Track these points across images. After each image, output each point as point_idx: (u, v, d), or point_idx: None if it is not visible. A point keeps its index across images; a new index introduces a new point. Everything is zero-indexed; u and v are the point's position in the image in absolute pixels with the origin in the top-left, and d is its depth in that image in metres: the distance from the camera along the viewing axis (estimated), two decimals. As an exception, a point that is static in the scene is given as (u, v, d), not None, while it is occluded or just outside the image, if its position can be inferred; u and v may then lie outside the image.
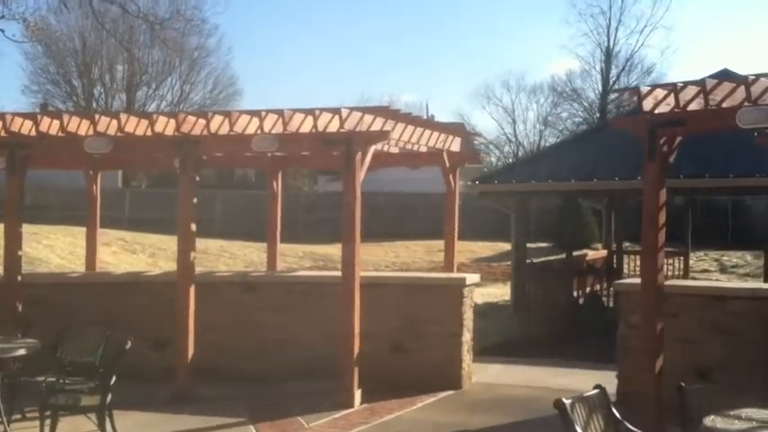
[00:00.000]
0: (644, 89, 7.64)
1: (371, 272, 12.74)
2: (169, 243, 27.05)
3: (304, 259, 28.80)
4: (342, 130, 8.63)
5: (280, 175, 12.22)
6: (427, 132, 10.78)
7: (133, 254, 24.91)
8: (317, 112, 8.61)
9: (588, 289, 17.29)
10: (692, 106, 7.63)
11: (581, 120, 57.42)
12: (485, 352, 12.48)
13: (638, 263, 21.28)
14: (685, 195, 21.68)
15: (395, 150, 11.88)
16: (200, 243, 28.36)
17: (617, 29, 56.47)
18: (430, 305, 9.93)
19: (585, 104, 57.85)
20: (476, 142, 62.51)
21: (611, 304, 16.10)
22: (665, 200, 8.00)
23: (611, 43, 56.52)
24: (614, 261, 20.51)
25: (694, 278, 22.23)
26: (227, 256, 26.87)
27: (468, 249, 33.84)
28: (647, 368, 7.77)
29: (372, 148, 8.92)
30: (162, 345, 9.91)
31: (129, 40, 37.60)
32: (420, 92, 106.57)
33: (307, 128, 8.80)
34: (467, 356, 10.08)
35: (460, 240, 35.82)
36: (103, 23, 30.90)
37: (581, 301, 16.81)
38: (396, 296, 10.04)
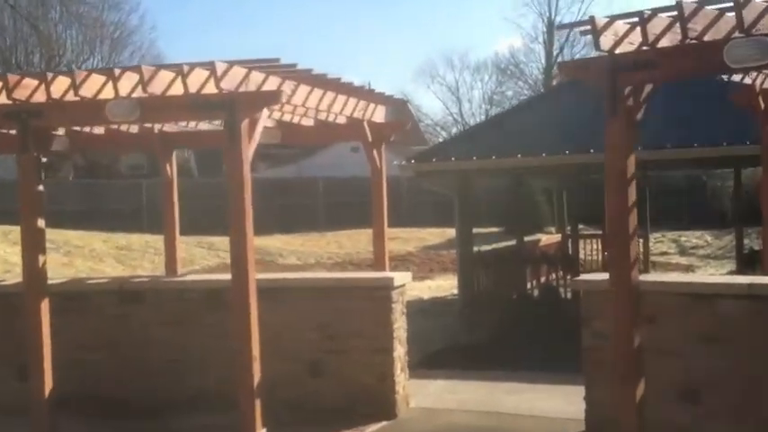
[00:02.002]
0: (600, 20, 5.74)
1: (274, 274, 10.69)
2: (89, 239, 24.82)
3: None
4: (219, 92, 6.60)
5: (174, 156, 10.17)
6: (341, 98, 8.79)
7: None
8: (186, 69, 6.57)
9: (543, 279, 15.47)
10: (664, 42, 5.77)
11: (526, 98, 56.10)
12: (426, 362, 10.65)
13: (596, 247, 19.65)
14: (640, 170, 20.00)
15: (309, 122, 9.95)
16: (124, 238, 26.35)
17: (558, -1, 55.13)
18: (351, 313, 7.99)
19: (530, 82, 56.75)
20: (421, 123, 61.12)
21: (569, 296, 14.29)
22: (634, 170, 6.15)
23: (553, 13, 55.28)
24: (569, 247, 18.74)
25: (654, 263, 20.61)
26: (152, 252, 24.62)
27: (417, 237, 32.07)
28: (624, 394, 5.91)
29: (263, 116, 6.94)
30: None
31: (38, 16, 35.03)
32: (361, 73, 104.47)
33: (178, 90, 6.76)
34: (401, 376, 8.15)
35: (408, 227, 34.18)
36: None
37: (535, 293, 14.99)
38: (308, 303, 8.10)
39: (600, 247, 19.78)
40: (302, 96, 7.99)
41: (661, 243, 27.13)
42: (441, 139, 59.76)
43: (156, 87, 6.67)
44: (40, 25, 35.46)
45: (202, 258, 24.87)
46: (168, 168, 10.08)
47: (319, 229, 33.60)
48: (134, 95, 6.83)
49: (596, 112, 14.12)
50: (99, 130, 9.57)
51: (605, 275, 6.78)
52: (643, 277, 6.51)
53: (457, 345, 12.09)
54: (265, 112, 7.02)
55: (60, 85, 6.89)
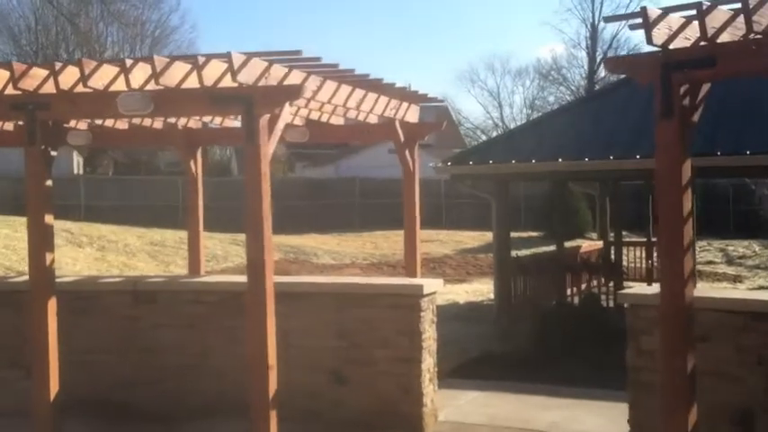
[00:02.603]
0: (653, 12, 5.18)
1: (297, 277, 10.22)
2: (123, 234, 24.66)
3: (273, 251, 26.32)
4: (237, 86, 6.16)
5: (199, 154, 9.79)
6: (371, 96, 8.33)
7: (79, 247, 22.43)
8: (201, 60, 6.14)
9: (584, 287, 14.86)
10: (725, 37, 5.20)
11: (568, 101, 55.31)
12: (459, 372, 10.13)
13: (639, 255, 18.98)
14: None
15: (339, 121, 9.52)
16: (159, 234, 26.12)
17: (602, 3, 54.32)
18: (377, 322, 7.51)
19: (573, 88, 55.96)
20: (461, 126, 60.56)
21: (611, 304, 13.70)
22: (690, 177, 5.59)
23: (596, 18, 54.40)
24: (611, 254, 18.11)
25: (701, 273, 19.86)
26: (185, 249, 24.36)
27: (454, 239, 31.59)
28: (674, 420, 5.37)
29: (285, 112, 6.47)
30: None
31: (78, 13, 35.02)
32: (402, 77, 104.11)
33: (193, 83, 6.33)
34: (429, 388, 7.65)
35: (446, 230, 33.75)
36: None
37: (575, 301, 14.38)
38: (330, 309, 7.63)
39: (644, 255, 19.15)
40: (328, 93, 7.53)
41: (707, 252, 26.28)
42: (482, 144, 59.22)
43: (170, 80, 6.24)
44: (80, 23, 35.46)
45: (236, 256, 24.54)
46: (193, 166, 9.70)
47: (355, 230, 33.23)
48: (147, 88, 6.40)
49: (643, 116, 13.60)
50: (122, 125, 9.24)
51: (655, 288, 6.27)
52: (696, 293, 5.95)
53: (492, 353, 11.56)
54: (287, 108, 6.55)
55: (70, 76, 6.49)
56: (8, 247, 20.54)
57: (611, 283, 14.48)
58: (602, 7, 54.48)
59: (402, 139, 9.19)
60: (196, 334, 7.82)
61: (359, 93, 8.13)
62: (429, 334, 7.62)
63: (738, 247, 27.25)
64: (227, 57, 6.06)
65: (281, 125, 6.47)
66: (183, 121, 9.38)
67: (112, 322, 7.99)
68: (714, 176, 22.94)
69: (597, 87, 51.51)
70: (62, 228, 23.74)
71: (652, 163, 11.85)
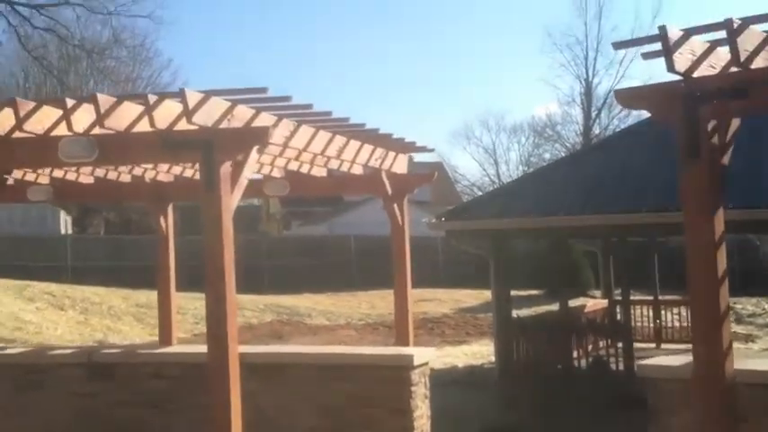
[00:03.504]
0: (673, 32, 4.39)
1: (270, 347, 9.22)
2: (107, 296, 23.69)
3: (265, 312, 25.42)
4: (195, 128, 5.35)
5: (170, 210, 8.98)
6: (354, 144, 7.53)
7: (61, 310, 21.47)
8: (152, 100, 5.33)
9: (591, 349, 13.89)
10: (759, 62, 4.42)
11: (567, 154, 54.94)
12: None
13: (646, 314, 18.03)
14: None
15: (321, 172, 8.71)
16: (145, 296, 25.03)
17: (595, 59, 54.14)
18: (362, 398, 6.61)
19: (568, 145, 55.59)
20: (458, 184, 60.03)
21: (620, 367, 12.71)
22: (723, 229, 4.76)
23: (590, 75, 54.22)
24: (617, 313, 17.17)
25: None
26: (173, 311, 23.42)
27: (453, 298, 30.62)
28: None
29: (251, 158, 5.65)
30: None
31: (68, 70, 34.47)
32: (396, 133, 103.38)
33: (145, 126, 5.52)
34: (421, 473, 6.71)
35: (443, 288, 32.76)
36: (30, 50, 27.75)
37: (581, 365, 13.40)
38: (312, 383, 6.74)
39: (651, 314, 18.22)
40: (304, 139, 6.75)
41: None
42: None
43: (118, 122, 5.43)
44: (70, 81, 34.98)
45: (224, 318, 23.63)
46: (163, 223, 8.90)
47: (351, 289, 32.27)
48: (93, 132, 5.60)
49: (651, 165, 12.80)
50: (86, 179, 8.47)
51: (681, 358, 5.41)
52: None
53: (494, 426, 10.57)
54: (254, 154, 5.74)
55: (5, 119, 5.69)
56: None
57: (620, 345, 13.52)
58: (595, 64, 54.29)
59: (389, 191, 8.39)
60: (158, 413, 6.89)
61: (339, 140, 7.35)
62: (421, 411, 6.72)
63: (747, 305, 26.28)
64: (179, 95, 5.26)
65: (246, 174, 5.66)
66: (151, 173, 8.62)
67: (67, 400, 7.06)
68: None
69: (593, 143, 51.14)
70: (44, 290, 22.86)
71: (659, 217, 11.07)
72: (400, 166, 8.55)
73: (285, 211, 52.77)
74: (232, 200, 5.50)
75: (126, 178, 8.69)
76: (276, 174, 8.74)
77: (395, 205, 8.35)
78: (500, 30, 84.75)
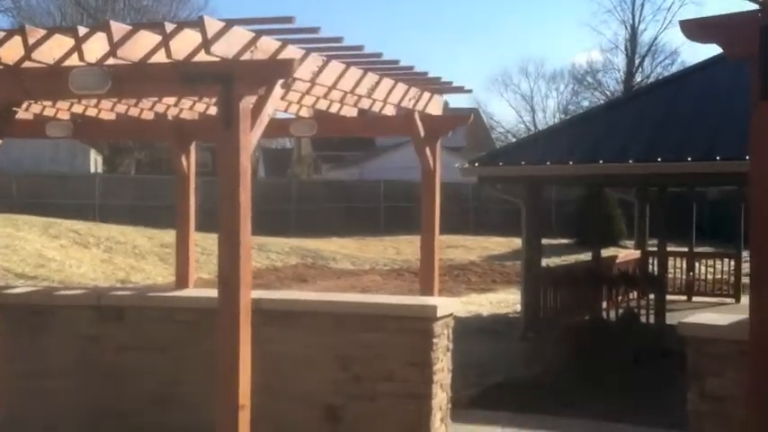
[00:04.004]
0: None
1: (287, 292, 8.89)
2: (132, 235, 23.62)
3: (290, 255, 25.24)
4: (214, 60, 5.01)
5: (192, 149, 8.65)
6: (387, 82, 7.15)
7: (85, 248, 21.40)
8: (170, 29, 4.98)
9: (621, 301, 13.55)
10: None
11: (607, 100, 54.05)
12: (481, 401, 8.89)
13: (679, 266, 17.63)
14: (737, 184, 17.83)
15: (351, 112, 8.34)
16: (170, 236, 24.86)
17: (642, 4, 53.09)
18: (380, 348, 6.32)
19: (608, 93, 54.57)
20: (493, 131, 59.32)
21: (651, 320, 12.39)
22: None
23: (636, 20, 53.07)
24: (651, 265, 16.79)
25: (744, 286, 18.42)
26: (198, 251, 23.29)
27: (481, 246, 30.32)
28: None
29: (275, 93, 5.31)
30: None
31: (104, 9, 34.10)
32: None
33: (161, 57, 5.18)
34: (440, 427, 6.45)
35: (472, 236, 32.50)
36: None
37: (610, 316, 13.08)
38: (328, 332, 6.45)
39: (684, 266, 17.81)
40: (333, 75, 6.36)
41: (748, 263, 24.78)
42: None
43: (132, 53, 5.09)
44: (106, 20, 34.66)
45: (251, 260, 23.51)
46: (184, 162, 8.55)
47: (379, 234, 32.07)
48: (107, 63, 5.27)
49: (695, 114, 12.30)
50: (108, 115, 8.17)
51: (728, 317, 5.08)
52: None
53: (518, 378, 10.30)
54: (278, 89, 5.39)
55: (13, 49, 5.36)
56: (9, 246, 19.55)
57: (651, 297, 13.17)
58: (642, 9, 53.06)
59: (422, 133, 8.00)
60: (168, 359, 6.66)
61: (371, 78, 6.96)
62: (442, 364, 6.42)
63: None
64: (195, 24, 4.91)
65: (268, 109, 5.32)
66: (174, 111, 8.30)
67: (71, 342, 6.84)
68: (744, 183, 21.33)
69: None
70: (69, 228, 22.80)
71: (706, 166, 10.62)
72: (435, 107, 8.16)
73: (316, 154, 52.49)
74: (251, 138, 5.17)
75: (148, 115, 8.40)
76: (304, 113, 8.40)
77: (427, 148, 7.97)
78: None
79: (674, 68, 47.36)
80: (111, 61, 5.25)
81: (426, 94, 8.04)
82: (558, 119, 56.10)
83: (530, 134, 45.03)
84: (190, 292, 7.32)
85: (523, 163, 12.46)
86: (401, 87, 7.55)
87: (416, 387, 6.19)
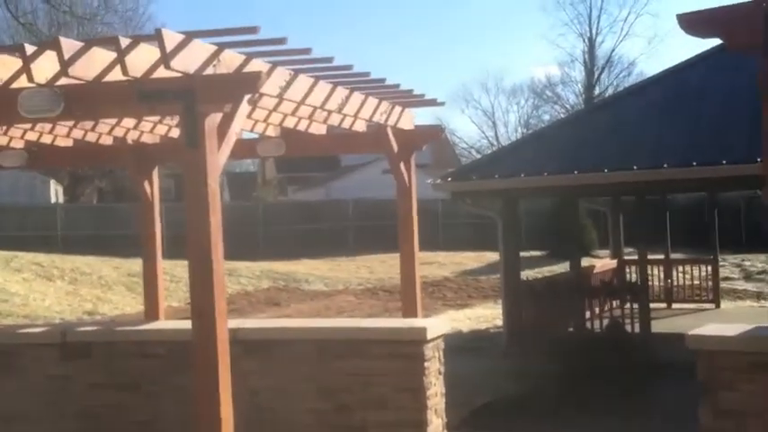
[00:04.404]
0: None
1: (267, 321, 8.42)
2: (97, 265, 23.02)
3: (261, 279, 24.79)
4: (172, 75, 4.63)
5: (155, 174, 8.24)
6: (357, 97, 6.82)
7: (49, 280, 20.79)
8: (125, 43, 4.59)
9: (601, 312, 13.25)
10: None
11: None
12: (471, 422, 8.54)
13: (655, 273, 17.41)
14: (709, 190, 17.71)
15: (320, 130, 7.98)
16: (137, 264, 24.27)
17: (599, 17, 53.51)
18: (369, 376, 5.94)
19: (567, 106, 54.91)
20: (456, 147, 59.30)
21: (638, 329, 12.07)
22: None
23: (594, 33, 53.53)
24: (628, 274, 16.59)
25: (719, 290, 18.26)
26: (167, 279, 22.73)
27: (453, 261, 30.04)
28: None
29: (241, 110, 4.93)
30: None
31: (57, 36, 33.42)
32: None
33: (118, 75, 4.78)
34: (435, 457, 6.08)
35: (444, 251, 32.25)
36: (18, 17, 26.81)
37: (594, 327, 12.76)
38: (311, 361, 6.06)
39: (662, 274, 17.59)
40: (302, 90, 6.01)
41: (722, 267, 24.69)
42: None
43: (85, 71, 4.70)
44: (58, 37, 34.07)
45: (221, 287, 22.98)
46: (147, 188, 8.15)
47: (349, 254, 31.66)
48: (59, 83, 4.87)
49: (669, 119, 12.09)
50: (65, 141, 7.75)
51: (736, 327, 4.77)
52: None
53: (507, 397, 9.93)
54: (244, 105, 5.02)
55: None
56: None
57: (634, 307, 12.87)
58: (599, 22, 53.51)
59: (395, 149, 7.69)
60: (142, 396, 6.22)
61: (341, 92, 6.62)
62: (435, 389, 6.06)
63: (755, 261, 25.69)
64: (152, 37, 4.53)
65: (235, 127, 4.94)
66: (134, 135, 7.90)
67: (39, 383, 6.39)
68: (728, 188, 21.31)
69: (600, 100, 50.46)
70: (32, 260, 22.15)
71: (684, 173, 10.37)
72: (407, 122, 7.85)
73: (281, 176, 52.03)
74: (219, 158, 4.79)
75: (107, 140, 7.99)
76: (271, 132, 8.04)
77: (401, 164, 7.66)
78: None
79: (631, 80, 47.77)
80: (63, 81, 4.87)
81: (398, 109, 7.73)
82: (519, 133, 56.37)
83: (498, 148, 44.98)
84: (160, 324, 6.90)
85: (497, 176, 12.16)
86: (372, 102, 7.24)
87: (410, 414, 5.83)
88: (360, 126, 7.74)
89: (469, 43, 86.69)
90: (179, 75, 4.72)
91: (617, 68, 53.96)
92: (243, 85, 4.80)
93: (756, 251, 27.00)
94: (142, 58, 4.77)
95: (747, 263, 25.52)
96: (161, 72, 4.77)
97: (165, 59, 4.51)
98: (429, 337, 5.91)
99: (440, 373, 6.15)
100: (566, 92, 56.84)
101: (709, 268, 17.55)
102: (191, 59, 4.69)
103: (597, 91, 53.66)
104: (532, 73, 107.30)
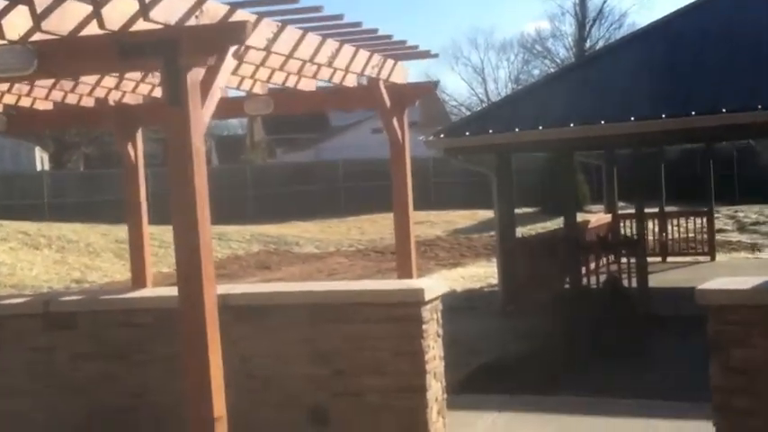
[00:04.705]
0: None
1: (260, 285, 8.04)
2: (84, 233, 22.74)
3: (252, 243, 24.55)
4: (153, 27, 4.35)
5: (138, 137, 7.96)
6: (348, 50, 6.53)
7: (36, 249, 20.50)
8: (100, -9, 4.30)
9: (596, 267, 13.08)
10: None
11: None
12: (470, 385, 8.31)
13: (655, 228, 17.23)
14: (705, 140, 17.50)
15: (309, 85, 7.69)
16: (125, 231, 24.25)
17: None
18: (366, 339, 5.73)
19: (558, 61, 54.45)
20: (446, 104, 58.83)
21: (635, 284, 11.90)
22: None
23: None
24: (621, 227, 16.45)
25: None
26: (155, 245, 22.42)
27: (444, 220, 29.87)
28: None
29: (226, 63, 4.65)
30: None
31: None
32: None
33: (93, 29, 4.50)
34: (438, 423, 5.90)
35: (435, 210, 32.08)
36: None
37: (590, 282, 12.58)
38: (305, 325, 5.84)
39: (657, 228, 17.45)
40: (290, 42, 5.71)
41: (716, 219, 24.59)
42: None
43: (59, 25, 4.41)
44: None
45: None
46: (131, 150, 7.86)
47: (340, 215, 31.45)
48: (32, 39, 4.58)
49: (669, 67, 11.84)
50: (44, 104, 7.45)
51: (748, 280, 4.58)
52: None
53: (507, 356, 9.77)
54: (230, 58, 4.74)
55: None
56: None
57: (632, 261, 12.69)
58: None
59: (388, 104, 7.41)
60: (128, 366, 6.00)
61: (331, 44, 6.33)
62: (434, 352, 5.86)
63: (749, 213, 25.60)
64: (131, -14, 4.24)
65: (220, 82, 4.66)
66: (116, 95, 7.60)
67: (22, 356, 6.16)
68: (719, 138, 21.06)
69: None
70: (17, 229, 21.85)
71: (684, 122, 10.16)
72: (399, 76, 7.55)
73: (270, 138, 51.59)
74: (203, 115, 4.52)
75: (88, 102, 7.69)
76: (258, 90, 7.74)
77: (394, 120, 7.38)
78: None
79: (622, 32, 47.34)
80: (36, 37, 4.58)
81: (390, 62, 7.43)
82: (509, 89, 55.95)
83: (490, 104, 44.49)
84: (147, 291, 6.65)
85: (491, 131, 11.90)
86: (363, 54, 6.93)
87: (408, 379, 5.62)
88: (351, 81, 7.45)
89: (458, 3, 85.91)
90: (160, 27, 4.44)
91: (608, 21, 53.56)
92: (228, 35, 4.51)
93: (749, 202, 26.94)
94: (120, 11, 4.46)
95: (741, 214, 25.44)
96: (141, 25, 4.49)
97: (144, 10, 4.22)
98: (426, 298, 5.69)
99: (438, 336, 5.94)
100: (556, 46, 56.75)
101: (704, 220, 17.40)
102: (171, 10, 4.40)
103: (588, 44, 53.22)
104: (523, 28, 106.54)
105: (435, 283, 6.05)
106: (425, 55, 7.72)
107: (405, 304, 5.64)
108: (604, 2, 54.54)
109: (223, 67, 4.65)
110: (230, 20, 4.88)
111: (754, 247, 19.86)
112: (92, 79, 6.83)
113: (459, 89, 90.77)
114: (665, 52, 12.56)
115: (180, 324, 4.55)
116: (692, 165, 25.49)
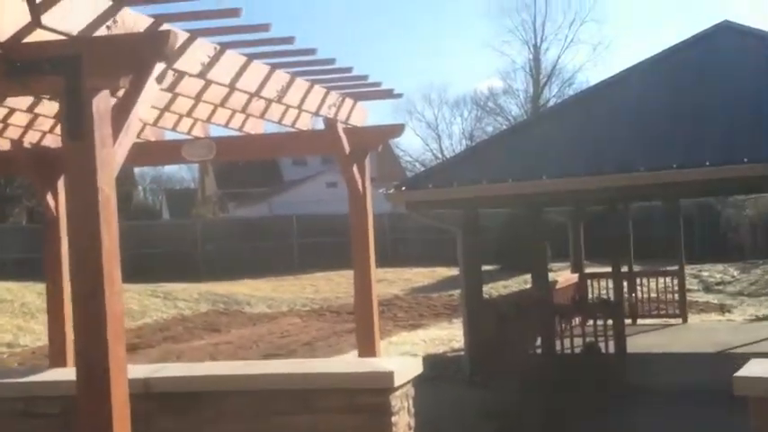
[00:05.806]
0: None
1: (183, 366, 6.62)
2: (20, 292, 21.30)
3: (200, 302, 23.27)
4: (58, 38, 3.35)
5: (60, 184, 6.90)
6: (301, 84, 5.60)
7: (-44, 311, 19.06)
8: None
9: (574, 330, 12.10)
10: None
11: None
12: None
13: (627, 289, 16.38)
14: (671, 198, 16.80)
15: (257, 125, 6.73)
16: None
17: (543, 24, 53.30)
18: None
19: (510, 119, 54.43)
20: (401, 160, 58.43)
21: (613, 350, 10.96)
22: None
23: (539, 40, 53.32)
24: (590, 288, 15.60)
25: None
26: (68, 318, 21.13)
27: (402, 278, 28.77)
28: None
29: (148, 83, 3.65)
30: None
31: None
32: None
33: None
34: None
35: (392, 267, 30.95)
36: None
37: (563, 348, 11.60)
38: (244, 418, 4.74)
39: (627, 288, 16.59)
40: (231, 69, 4.75)
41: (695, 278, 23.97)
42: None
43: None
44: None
45: (156, 310, 21.43)
46: (51, 201, 6.82)
47: (293, 272, 30.24)
48: None
49: (639, 120, 11.13)
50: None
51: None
52: None
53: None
54: (152, 84, 3.73)
55: None
56: None
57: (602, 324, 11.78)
58: (543, 29, 53.24)
59: (347, 149, 6.46)
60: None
61: (281, 76, 5.38)
62: (407, 447, 4.81)
63: (713, 272, 24.96)
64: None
65: (139, 109, 3.65)
66: (34, 136, 6.58)
67: None
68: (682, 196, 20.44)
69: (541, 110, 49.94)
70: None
71: (661, 177, 9.39)
72: (359, 118, 6.64)
73: (222, 192, 50.46)
74: (115, 152, 3.50)
75: (3, 145, 6.67)
76: (199, 132, 6.76)
77: (354, 167, 6.42)
78: None
79: (573, 90, 47.53)
80: None
81: (349, 102, 6.52)
82: (464, 145, 55.63)
83: (451, 156, 43.77)
84: (54, 373, 5.49)
85: (455, 185, 11.00)
86: (319, 91, 6.01)
87: (374, 485, 4.55)
88: (305, 122, 6.52)
89: (411, 55, 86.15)
90: (63, 38, 3.44)
91: (560, 79, 53.81)
92: (147, 48, 3.52)
93: (710, 260, 26.35)
94: (9, 19, 3.47)
95: (705, 273, 24.79)
96: (39, 35, 3.49)
97: (35, 13, 3.22)
98: (397, 383, 4.66)
99: (410, 429, 4.90)
100: (508, 103, 56.64)
101: (674, 281, 16.60)
102: (74, 16, 3.41)
103: (542, 102, 53.29)
104: (476, 85, 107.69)
105: (407, 364, 5.03)
106: (388, 94, 6.81)
107: (370, 391, 4.59)
108: (558, 57, 54.69)
109: (145, 89, 3.65)
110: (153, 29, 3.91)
111: (723, 308, 19.13)
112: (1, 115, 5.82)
113: (413, 145, 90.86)
114: (625, 110, 12.07)
115: (78, 422, 3.48)
116: (649, 224, 24.93)
